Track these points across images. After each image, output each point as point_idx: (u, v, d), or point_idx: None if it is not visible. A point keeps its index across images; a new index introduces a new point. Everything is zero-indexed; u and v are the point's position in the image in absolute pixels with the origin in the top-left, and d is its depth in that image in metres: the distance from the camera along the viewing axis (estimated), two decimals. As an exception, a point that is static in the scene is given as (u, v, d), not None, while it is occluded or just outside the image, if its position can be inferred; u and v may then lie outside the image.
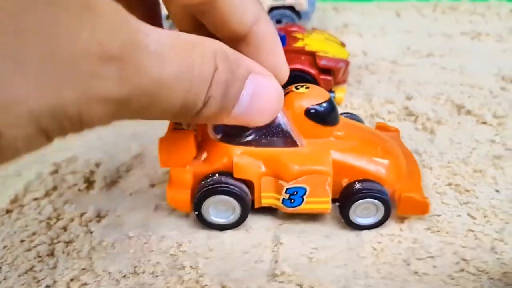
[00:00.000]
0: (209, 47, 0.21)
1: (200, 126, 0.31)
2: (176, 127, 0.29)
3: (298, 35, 0.48)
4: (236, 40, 0.26)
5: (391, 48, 0.58)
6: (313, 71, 0.44)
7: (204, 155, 0.30)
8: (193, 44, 0.20)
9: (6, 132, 0.15)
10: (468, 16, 0.67)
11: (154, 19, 0.29)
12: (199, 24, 0.27)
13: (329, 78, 0.44)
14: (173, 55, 0.19)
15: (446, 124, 0.42)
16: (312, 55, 0.44)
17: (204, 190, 0.29)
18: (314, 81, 0.44)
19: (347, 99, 0.46)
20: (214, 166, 0.30)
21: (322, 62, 0.44)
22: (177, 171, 0.30)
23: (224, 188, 0.29)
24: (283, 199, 0.30)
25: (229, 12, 0.25)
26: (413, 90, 0.48)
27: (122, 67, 0.17)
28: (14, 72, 0.15)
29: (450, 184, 0.35)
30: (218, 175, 0.30)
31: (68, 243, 0.31)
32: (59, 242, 0.31)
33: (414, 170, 0.33)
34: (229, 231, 0.31)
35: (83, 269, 0.29)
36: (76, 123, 0.17)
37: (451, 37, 0.61)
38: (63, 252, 0.31)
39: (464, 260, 0.29)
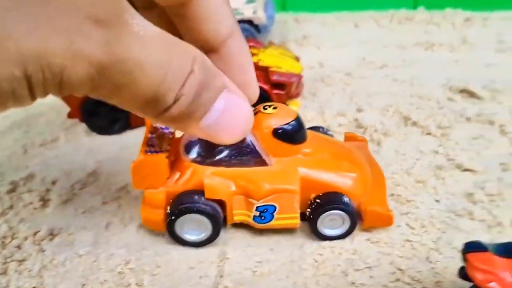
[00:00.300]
0: (189, 50, 0.22)
1: (172, 146, 0.32)
2: (148, 150, 0.30)
3: (254, 51, 0.49)
4: (209, 52, 0.27)
5: (347, 60, 0.59)
6: (266, 86, 0.45)
7: (177, 175, 0.31)
8: (176, 43, 0.21)
9: None
10: (423, 26, 0.69)
11: None
12: (175, 33, 0.28)
13: (281, 92, 0.46)
14: (154, 44, 0.20)
15: (393, 135, 0.43)
16: (265, 70, 0.46)
17: (176, 209, 0.30)
18: (267, 95, 0.45)
19: (301, 112, 0.48)
20: (186, 186, 0.31)
21: (275, 77, 0.45)
22: (151, 192, 0.31)
23: (196, 207, 0.30)
24: (254, 216, 0.31)
25: (205, 19, 0.26)
26: (364, 102, 0.49)
27: (108, 34, 0.18)
28: (12, 9, 0.15)
29: (392, 195, 0.36)
30: (190, 194, 0.31)
31: (21, 261, 0.32)
32: (12, 261, 0.32)
33: (379, 181, 0.34)
34: (178, 248, 0.32)
35: (33, 287, 0.30)
36: (57, 78, 0.17)
37: (405, 48, 0.63)
38: (16, 271, 0.31)
39: (400, 270, 0.30)
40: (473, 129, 0.44)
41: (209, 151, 0.31)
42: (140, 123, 0.46)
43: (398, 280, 0.30)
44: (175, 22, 0.27)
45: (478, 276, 0.22)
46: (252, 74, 0.28)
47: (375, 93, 0.51)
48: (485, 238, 0.32)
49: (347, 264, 0.31)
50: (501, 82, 0.52)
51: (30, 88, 0.17)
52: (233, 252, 0.32)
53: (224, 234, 0.33)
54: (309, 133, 0.33)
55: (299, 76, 0.48)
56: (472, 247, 0.23)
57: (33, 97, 0.18)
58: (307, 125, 0.33)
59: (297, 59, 0.51)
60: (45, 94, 0.18)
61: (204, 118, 0.23)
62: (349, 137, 0.38)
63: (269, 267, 0.31)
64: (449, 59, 0.59)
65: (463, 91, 0.50)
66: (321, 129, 0.37)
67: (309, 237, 0.33)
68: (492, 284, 0.22)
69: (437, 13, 0.72)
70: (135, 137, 0.44)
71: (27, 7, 0.16)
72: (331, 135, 0.37)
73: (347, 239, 0.32)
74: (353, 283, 0.29)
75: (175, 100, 0.21)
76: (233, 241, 0.33)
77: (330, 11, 0.76)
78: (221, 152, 0.31)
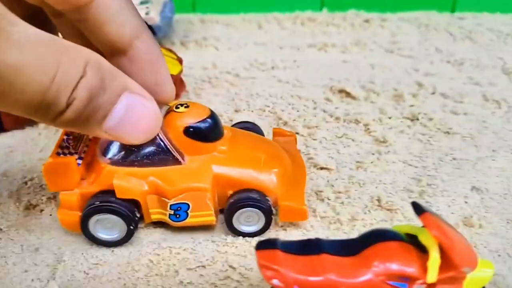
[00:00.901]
0: (82, 54, 0.22)
1: (90, 148, 0.32)
2: (60, 152, 0.31)
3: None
4: (117, 55, 0.27)
5: (240, 61, 0.60)
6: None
7: (92, 177, 0.31)
8: (66, 47, 0.21)
9: None
10: (324, 27, 0.71)
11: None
12: (85, 40, 0.28)
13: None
14: (37, 50, 0.20)
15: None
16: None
17: (88, 209, 0.31)
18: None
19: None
20: (101, 187, 0.31)
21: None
22: (65, 194, 0.31)
23: (108, 207, 0.31)
24: (169, 214, 0.31)
25: (106, 22, 0.26)
26: (243, 103, 0.50)
27: None
28: None
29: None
30: (102, 194, 0.31)
31: None
32: None
33: (300, 176, 0.35)
34: (16, 250, 0.32)
35: None
36: None
37: (299, 49, 0.64)
38: None
39: (232, 267, 0.31)
40: (339, 128, 0.46)
41: (123, 152, 0.31)
42: (18, 124, 0.46)
43: (227, 277, 0.30)
44: (79, 27, 0.27)
45: (264, 273, 0.23)
46: (164, 73, 0.29)
47: (256, 94, 0.52)
48: (323, 234, 0.34)
49: (181, 264, 0.31)
50: (379, 83, 0.53)
51: None
52: (71, 255, 0.32)
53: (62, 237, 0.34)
54: (229, 130, 0.33)
55: (177, 77, 0.48)
56: (262, 245, 0.24)
57: None
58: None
59: (178, 60, 0.51)
60: None
61: (106, 120, 0.24)
62: (277, 133, 0.39)
63: (103, 269, 0.31)
64: (338, 60, 0.60)
65: (341, 91, 0.52)
66: (249, 125, 0.38)
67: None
68: (275, 280, 0.23)
69: (339, 14, 0.74)
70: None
71: None
72: (260, 131, 0.38)
73: (188, 239, 0.33)
74: (181, 282, 0.30)
75: (68, 104, 0.21)
76: (71, 245, 0.33)
77: (237, 12, 0.76)
78: (133, 152, 0.31)
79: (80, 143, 0.32)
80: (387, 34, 0.68)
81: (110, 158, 0.31)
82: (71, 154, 0.31)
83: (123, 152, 0.31)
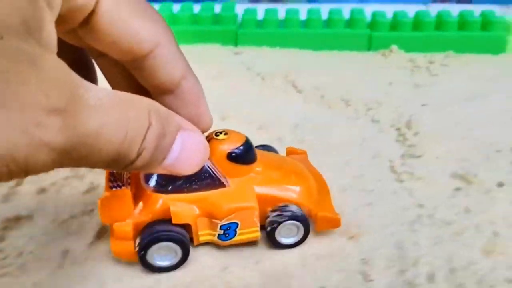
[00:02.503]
0: (144, 105, 0.23)
1: (133, 179, 0.33)
2: (112, 186, 0.32)
3: None
4: (164, 94, 0.29)
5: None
6: None
7: (140, 205, 0.32)
8: (129, 101, 0.22)
9: None
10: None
11: (91, 79, 0.31)
12: (130, 78, 0.29)
13: None
14: (110, 110, 0.21)
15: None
16: None
17: (150, 238, 0.32)
18: None
19: None
20: (153, 215, 0.32)
21: None
22: (119, 225, 0.32)
23: (165, 235, 0.32)
24: (219, 234, 0.33)
25: (159, 69, 0.27)
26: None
27: (65, 119, 0.19)
28: None
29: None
30: (159, 223, 0.32)
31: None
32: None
33: (324, 188, 0.37)
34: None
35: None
36: (22, 168, 0.18)
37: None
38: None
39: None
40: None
41: (168, 179, 0.32)
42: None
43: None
44: (131, 71, 0.28)
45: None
46: (204, 106, 0.31)
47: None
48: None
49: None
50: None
51: None
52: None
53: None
54: (258, 152, 0.35)
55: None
56: None
57: None
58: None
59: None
60: (10, 180, 0.19)
61: (165, 160, 0.25)
62: (290, 151, 0.41)
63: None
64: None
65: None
66: (267, 148, 0.40)
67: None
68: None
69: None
70: None
71: None
72: (276, 151, 0.40)
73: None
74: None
75: (138, 155, 0.23)
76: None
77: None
78: (181, 179, 0.32)
79: (123, 174, 0.33)
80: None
81: (156, 186, 0.33)
82: (119, 186, 0.32)
83: (169, 179, 0.32)
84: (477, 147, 0.44)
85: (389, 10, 0.65)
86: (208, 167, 0.32)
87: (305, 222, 0.34)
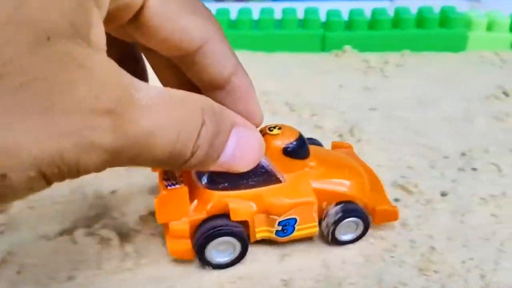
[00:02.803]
0: (197, 103, 0.23)
1: (184, 177, 0.32)
2: (168, 184, 0.31)
3: None
4: (215, 89, 0.28)
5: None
6: None
7: (195, 203, 0.32)
8: (182, 99, 0.22)
9: (10, 175, 0.17)
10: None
11: (141, 74, 0.31)
12: (180, 73, 0.29)
13: None
14: (162, 109, 0.20)
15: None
16: None
17: (207, 235, 0.31)
18: None
19: None
20: (209, 212, 0.32)
21: None
22: (175, 224, 0.31)
23: (224, 230, 0.31)
24: (277, 231, 0.32)
25: (209, 65, 0.27)
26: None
27: (116, 120, 0.19)
28: (18, 123, 0.17)
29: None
30: (216, 219, 0.32)
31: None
32: None
33: (375, 181, 0.36)
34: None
35: None
36: (73, 169, 0.18)
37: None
38: None
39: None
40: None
41: (222, 176, 0.32)
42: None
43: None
44: (181, 67, 0.28)
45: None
46: (255, 101, 0.30)
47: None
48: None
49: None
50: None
51: (47, 181, 0.18)
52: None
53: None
54: (309, 147, 0.35)
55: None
56: None
57: (50, 185, 0.19)
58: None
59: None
60: (62, 180, 0.19)
61: (220, 158, 0.25)
62: (336, 145, 0.40)
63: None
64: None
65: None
66: (313, 141, 0.39)
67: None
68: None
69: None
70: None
71: (32, 116, 0.17)
72: (321, 145, 0.39)
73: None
74: None
75: (192, 153, 0.22)
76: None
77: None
78: (237, 176, 0.31)
79: (175, 172, 0.32)
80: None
81: (210, 183, 0.32)
82: (173, 184, 0.31)
83: (224, 177, 0.32)
84: (423, 154, 0.42)
85: (346, 8, 0.64)
86: (265, 162, 0.32)
87: (365, 218, 0.33)
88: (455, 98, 0.51)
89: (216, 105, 0.24)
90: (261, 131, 0.32)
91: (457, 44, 0.61)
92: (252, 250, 0.33)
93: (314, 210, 0.32)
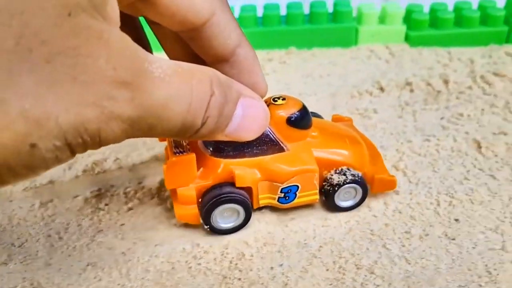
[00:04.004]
0: (205, 74, 0.23)
1: (191, 145, 0.33)
2: (176, 151, 0.32)
3: None
4: (220, 62, 0.29)
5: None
6: None
7: (201, 170, 0.33)
8: (191, 71, 0.23)
9: (39, 143, 0.18)
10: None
11: (144, 45, 0.31)
12: (186, 47, 0.30)
13: None
14: (174, 81, 0.21)
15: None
16: None
17: (211, 202, 0.32)
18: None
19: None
20: (215, 180, 0.33)
21: None
22: (183, 190, 0.33)
23: (229, 197, 0.33)
24: (279, 197, 0.34)
25: (215, 38, 0.28)
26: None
27: (133, 91, 0.20)
28: (47, 94, 0.17)
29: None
30: (222, 186, 0.33)
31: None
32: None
33: (374, 152, 0.38)
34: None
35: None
36: (95, 139, 0.19)
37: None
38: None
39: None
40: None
41: (229, 145, 0.33)
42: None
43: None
44: (187, 41, 0.29)
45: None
46: (259, 72, 0.31)
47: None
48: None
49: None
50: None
51: (71, 150, 0.19)
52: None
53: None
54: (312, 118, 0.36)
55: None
56: None
57: (73, 156, 0.20)
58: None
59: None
60: (85, 151, 0.20)
61: (228, 127, 0.26)
62: (336, 118, 0.42)
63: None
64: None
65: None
66: (314, 114, 0.40)
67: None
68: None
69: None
70: None
71: (59, 87, 0.18)
72: (322, 118, 0.40)
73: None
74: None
75: (203, 123, 0.24)
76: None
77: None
78: (242, 144, 0.33)
79: (182, 141, 0.33)
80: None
81: (217, 151, 0.33)
82: (181, 152, 0.32)
83: (230, 145, 0.33)
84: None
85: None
86: (269, 131, 0.33)
87: (364, 185, 0.35)
88: (325, 94, 0.51)
89: (223, 76, 0.25)
90: (265, 102, 0.33)
91: (347, 39, 0.60)
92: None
93: (316, 178, 0.34)
